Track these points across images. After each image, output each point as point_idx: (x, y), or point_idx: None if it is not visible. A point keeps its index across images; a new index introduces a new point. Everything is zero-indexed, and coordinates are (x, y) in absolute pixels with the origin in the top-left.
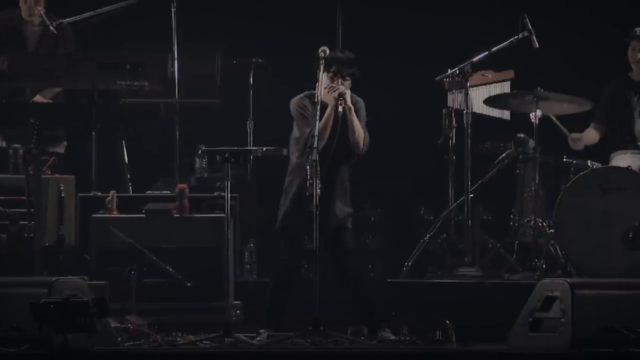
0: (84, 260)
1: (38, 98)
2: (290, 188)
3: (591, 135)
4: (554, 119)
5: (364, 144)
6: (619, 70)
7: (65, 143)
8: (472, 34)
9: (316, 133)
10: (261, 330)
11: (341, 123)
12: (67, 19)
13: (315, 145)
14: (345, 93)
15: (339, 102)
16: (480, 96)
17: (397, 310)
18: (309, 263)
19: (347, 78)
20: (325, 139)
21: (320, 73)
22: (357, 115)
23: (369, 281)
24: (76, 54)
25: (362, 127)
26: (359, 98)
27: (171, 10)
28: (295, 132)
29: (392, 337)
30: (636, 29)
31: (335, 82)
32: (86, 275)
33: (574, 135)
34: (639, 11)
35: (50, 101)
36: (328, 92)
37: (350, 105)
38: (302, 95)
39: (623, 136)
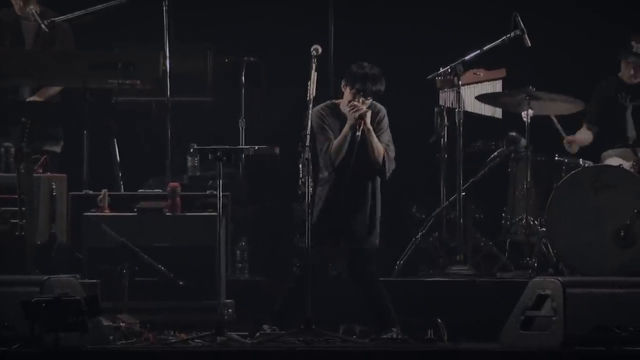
0: (75, 258)
1: (34, 98)
2: (318, 199)
3: (585, 136)
4: (554, 119)
5: (385, 160)
6: (611, 70)
7: (62, 142)
8: (464, 32)
9: (307, 132)
10: (265, 326)
11: (360, 138)
12: (58, 17)
13: (307, 143)
14: (365, 115)
15: (358, 125)
16: (472, 95)
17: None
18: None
19: (370, 97)
20: (342, 154)
21: (312, 71)
22: (380, 125)
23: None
24: (67, 52)
25: (384, 141)
26: (381, 107)
27: (163, 9)
28: (318, 145)
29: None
30: (632, 42)
31: (357, 100)
32: (78, 274)
33: (569, 137)
34: (633, 9)
35: (42, 100)
36: (349, 110)
37: (370, 126)
38: (322, 105)
39: (615, 136)
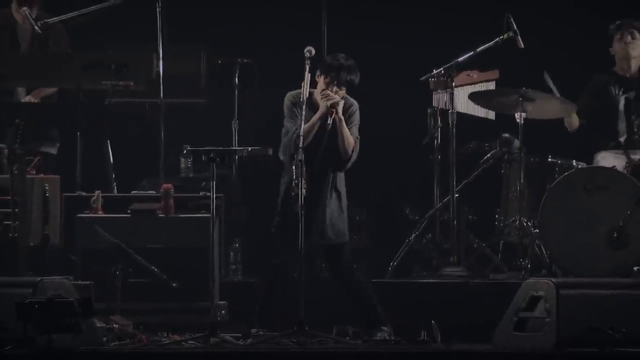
0: (69, 260)
1: (29, 98)
2: (281, 188)
3: (574, 120)
4: (549, 78)
5: (352, 152)
6: (604, 68)
7: (58, 144)
8: (457, 34)
9: (301, 133)
10: (252, 330)
11: (331, 128)
12: (52, 19)
13: (300, 145)
14: (337, 104)
15: (330, 113)
16: (465, 96)
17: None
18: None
19: (343, 87)
20: (309, 139)
21: (306, 73)
22: (351, 118)
23: (366, 283)
24: (60, 53)
25: (354, 134)
26: (353, 101)
27: (156, 11)
28: (284, 128)
29: (387, 338)
30: (611, 25)
31: (330, 89)
32: (71, 275)
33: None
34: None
35: (37, 101)
36: (321, 98)
37: (341, 116)
38: (296, 91)
39: (606, 132)
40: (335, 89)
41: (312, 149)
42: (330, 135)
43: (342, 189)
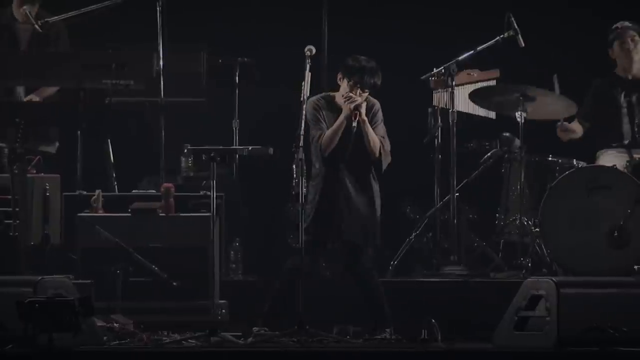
0: (69, 259)
1: (31, 98)
2: (313, 195)
3: (576, 129)
4: (556, 81)
5: (381, 152)
6: (606, 69)
7: (57, 143)
8: (458, 32)
9: (301, 132)
10: (253, 329)
11: (356, 130)
12: (53, 18)
13: (300, 144)
14: (360, 106)
15: (354, 116)
16: (465, 95)
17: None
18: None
19: (366, 90)
20: (333, 145)
21: (307, 72)
22: (374, 118)
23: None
24: (61, 52)
25: (380, 134)
26: (375, 100)
27: (157, 10)
28: (311, 135)
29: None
30: (614, 25)
31: (354, 92)
32: (71, 274)
33: (565, 123)
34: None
35: (39, 100)
36: (344, 101)
37: (365, 117)
38: (318, 96)
39: (610, 134)
40: (359, 91)
41: (339, 152)
42: (356, 138)
43: (376, 191)
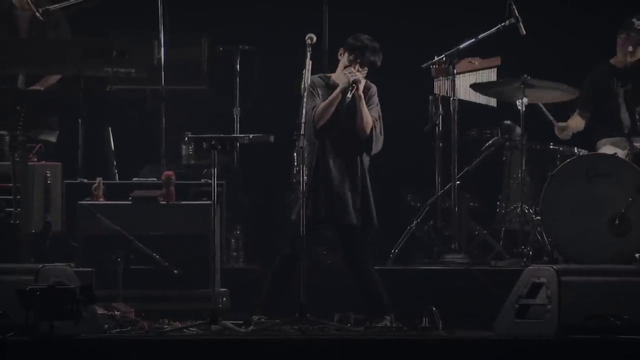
0: (70, 247)
1: (37, 87)
2: (298, 178)
3: (577, 122)
4: (543, 107)
5: (372, 132)
6: (603, 57)
7: (58, 132)
8: (459, 20)
9: (302, 120)
10: (254, 317)
11: (347, 108)
12: (53, 6)
13: (301, 132)
14: (359, 81)
15: (351, 88)
16: (466, 83)
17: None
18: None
19: (366, 67)
20: (327, 117)
21: (307, 60)
22: (370, 100)
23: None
24: (61, 39)
25: (374, 116)
26: (372, 84)
27: None
28: (305, 109)
29: (388, 325)
30: (634, 19)
31: (353, 67)
32: (73, 262)
33: (561, 124)
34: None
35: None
36: (344, 74)
37: (361, 94)
38: (316, 75)
39: (609, 123)
40: (358, 67)
41: (330, 126)
42: (347, 115)
43: (363, 170)
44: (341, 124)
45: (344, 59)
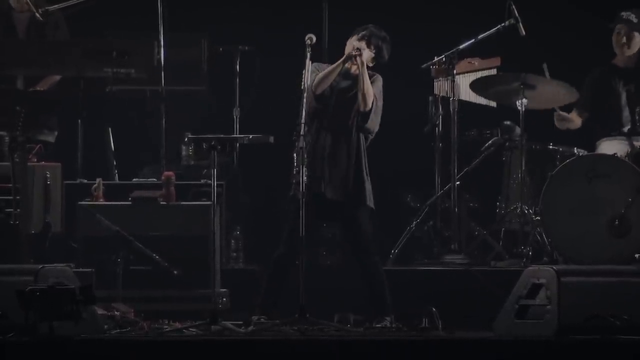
0: (70, 247)
1: (38, 88)
2: (293, 171)
3: (575, 120)
4: (545, 68)
5: (373, 105)
6: (605, 59)
7: (56, 132)
8: (459, 21)
9: (302, 120)
10: (254, 318)
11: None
12: (52, 7)
13: (301, 132)
14: (363, 48)
15: (354, 54)
16: (466, 83)
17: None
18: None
19: (373, 49)
20: (328, 83)
21: (307, 60)
22: (373, 84)
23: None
24: (61, 40)
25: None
26: (377, 74)
27: None
28: (309, 82)
29: (388, 325)
30: (622, 12)
31: (359, 43)
32: (72, 263)
33: (563, 113)
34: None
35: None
36: (350, 47)
37: (364, 60)
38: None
39: (610, 123)
40: (364, 44)
41: (322, 107)
42: (343, 93)
43: (358, 147)
44: (334, 102)
45: (350, 41)
